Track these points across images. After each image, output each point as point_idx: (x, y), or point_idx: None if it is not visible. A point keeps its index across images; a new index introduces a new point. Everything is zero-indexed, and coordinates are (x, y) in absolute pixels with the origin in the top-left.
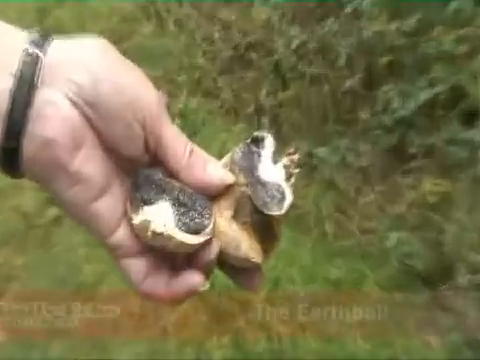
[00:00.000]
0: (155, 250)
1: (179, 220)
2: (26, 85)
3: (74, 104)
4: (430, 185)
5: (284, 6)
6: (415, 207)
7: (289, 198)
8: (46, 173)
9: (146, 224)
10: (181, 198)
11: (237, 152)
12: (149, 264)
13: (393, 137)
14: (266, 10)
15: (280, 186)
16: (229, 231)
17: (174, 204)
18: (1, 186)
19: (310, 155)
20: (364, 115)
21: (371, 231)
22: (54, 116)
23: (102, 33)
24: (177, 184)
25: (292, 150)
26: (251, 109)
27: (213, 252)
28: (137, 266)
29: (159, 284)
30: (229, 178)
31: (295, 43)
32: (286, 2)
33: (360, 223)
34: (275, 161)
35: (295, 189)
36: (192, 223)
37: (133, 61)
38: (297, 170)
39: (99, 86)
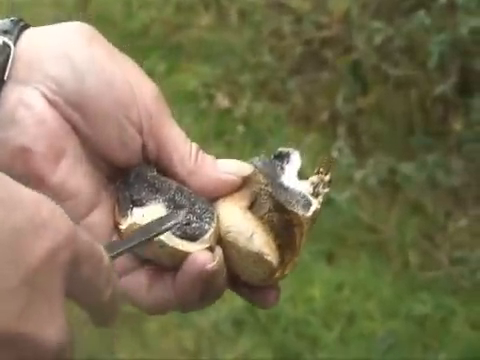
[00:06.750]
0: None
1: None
2: None
3: (52, 104)
4: None
5: None
6: None
7: (316, 205)
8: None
9: (135, 229)
10: (177, 199)
11: (256, 159)
12: (150, 275)
13: None
14: (345, 0)
15: (305, 196)
16: (243, 219)
17: (169, 206)
18: None
19: (393, 172)
20: (457, 126)
21: (462, 262)
22: (28, 120)
23: (152, 23)
24: (174, 183)
25: (322, 168)
26: (325, 117)
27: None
28: (136, 281)
29: (167, 290)
30: (246, 168)
31: (378, 39)
32: None
33: (450, 252)
34: (301, 178)
35: (373, 212)
36: (188, 228)
37: (189, 58)
38: (326, 190)
39: (83, 81)
